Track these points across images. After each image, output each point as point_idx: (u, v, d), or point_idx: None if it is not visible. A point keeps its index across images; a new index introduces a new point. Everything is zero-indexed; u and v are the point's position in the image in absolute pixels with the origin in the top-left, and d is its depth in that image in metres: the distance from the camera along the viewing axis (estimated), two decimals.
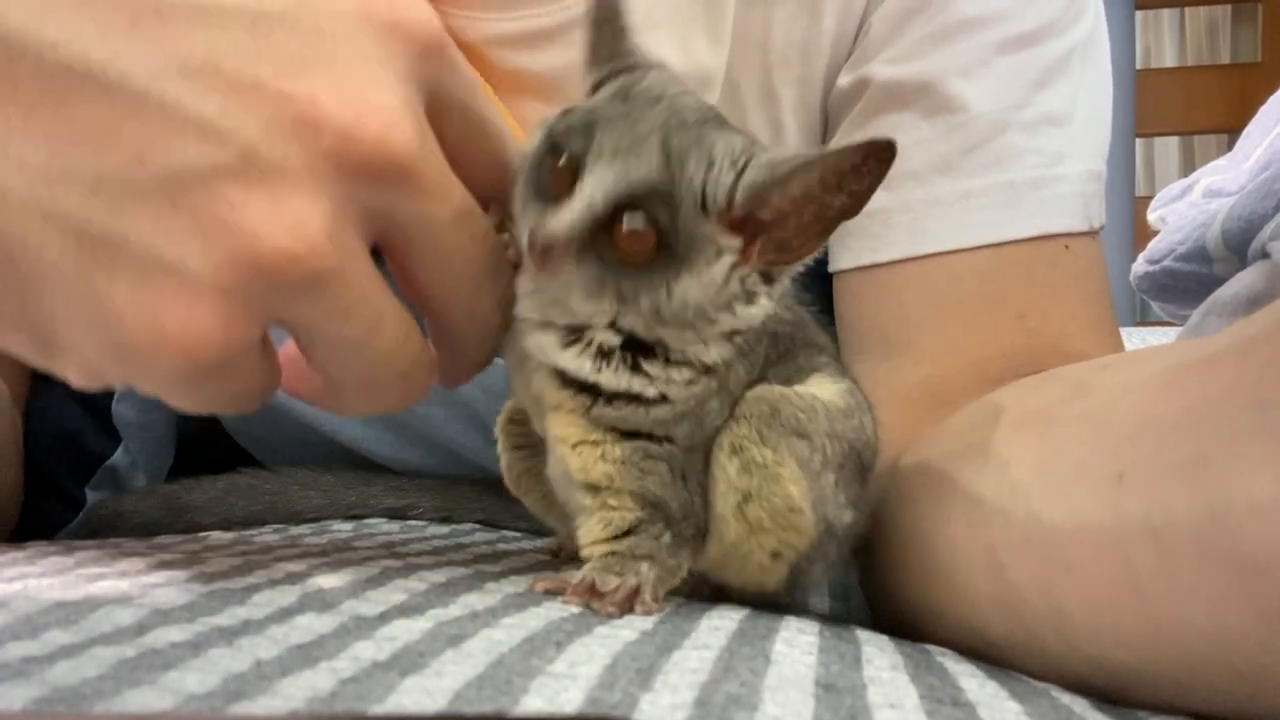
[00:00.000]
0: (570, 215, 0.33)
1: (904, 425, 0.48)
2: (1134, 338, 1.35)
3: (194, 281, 0.28)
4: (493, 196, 0.36)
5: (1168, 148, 2.89)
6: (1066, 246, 0.53)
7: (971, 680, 0.30)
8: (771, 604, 0.39)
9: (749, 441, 0.36)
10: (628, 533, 0.36)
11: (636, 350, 0.35)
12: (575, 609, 0.33)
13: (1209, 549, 0.25)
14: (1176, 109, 2.41)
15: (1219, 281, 0.73)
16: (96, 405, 0.62)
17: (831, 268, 0.57)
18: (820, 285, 0.56)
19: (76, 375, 0.31)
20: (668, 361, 0.35)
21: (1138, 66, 2.43)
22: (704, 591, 0.39)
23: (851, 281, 0.56)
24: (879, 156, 0.33)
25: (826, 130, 0.59)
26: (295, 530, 0.53)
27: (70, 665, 0.24)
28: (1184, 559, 0.26)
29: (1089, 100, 0.55)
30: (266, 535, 0.50)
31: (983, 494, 0.36)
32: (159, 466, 0.65)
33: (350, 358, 0.33)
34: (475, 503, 0.61)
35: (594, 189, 0.33)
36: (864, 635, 0.35)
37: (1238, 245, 0.70)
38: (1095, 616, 0.30)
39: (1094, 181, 0.55)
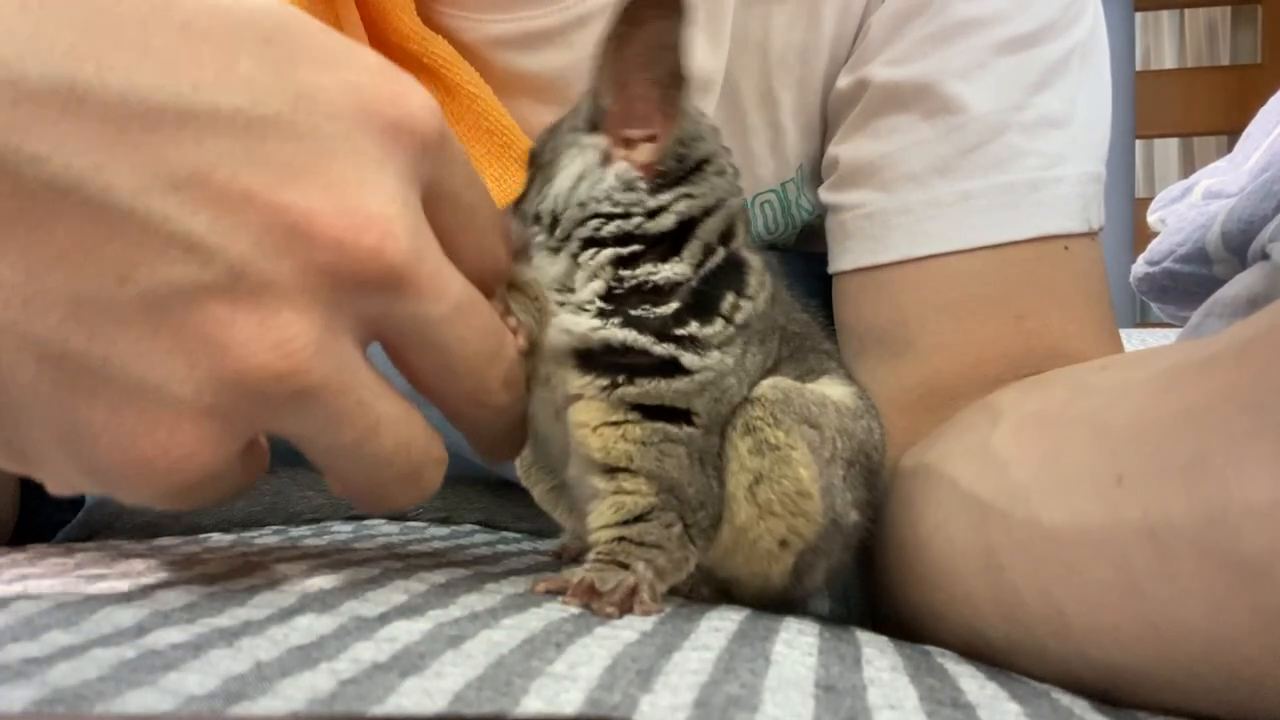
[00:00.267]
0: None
1: (903, 426, 0.48)
2: (1134, 339, 1.35)
3: (175, 404, 0.27)
4: (491, 280, 0.36)
5: (1167, 149, 2.90)
6: (1066, 248, 0.53)
7: (971, 681, 0.30)
8: (773, 603, 0.39)
9: (762, 423, 0.37)
10: (638, 519, 0.36)
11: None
12: (575, 610, 0.33)
13: (1208, 550, 0.25)
14: (1176, 110, 2.41)
15: (1219, 283, 0.73)
16: None
17: (831, 269, 0.57)
18: (822, 290, 0.56)
19: (53, 486, 0.30)
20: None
21: (1137, 68, 2.43)
22: (704, 592, 0.39)
23: (850, 283, 0.56)
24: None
25: (826, 132, 0.60)
26: (295, 531, 0.53)
27: (70, 666, 0.24)
28: (1183, 560, 0.26)
29: (1088, 101, 0.55)
30: (266, 536, 0.51)
31: (982, 495, 0.36)
32: None
33: (348, 463, 0.32)
34: (475, 504, 0.62)
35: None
36: (864, 636, 0.35)
37: (1237, 247, 0.70)
38: (1094, 618, 0.30)
39: (1093, 183, 0.55)
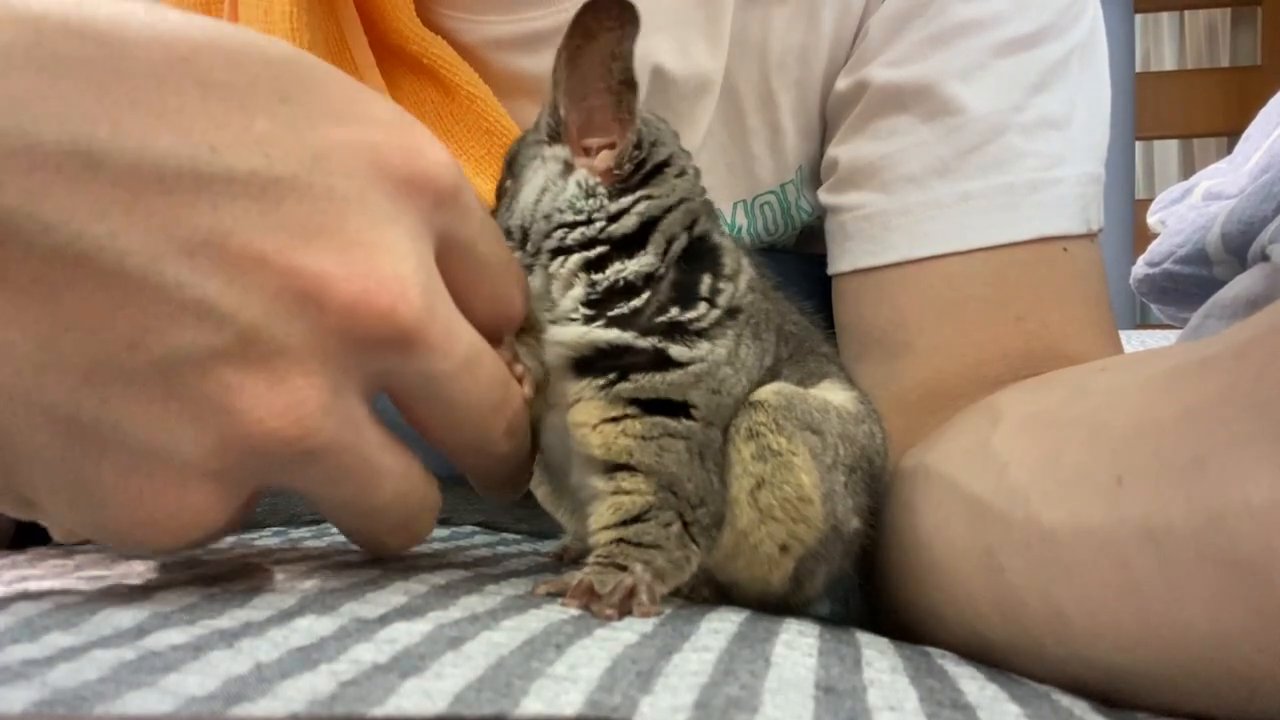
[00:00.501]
0: None
1: (903, 428, 0.48)
2: (1134, 340, 1.35)
3: (184, 467, 0.28)
4: (505, 326, 0.36)
5: (1167, 151, 2.90)
6: (1065, 249, 0.53)
7: (972, 683, 0.30)
8: (773, 608, 0.39)
9: (766, 429, 0.37)
10: (636, 519, 0.36)
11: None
12: (575, 612, 0.33)
13: (1207, 551, 0.25)
14: (1176, 112, 2.42)
15: (1219, 284, 0.73)
16: None
17: (830, 271, 0.57)
18: (822, 292, 0.56)
19: (58, 534, 0.31)
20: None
21: (1137, 70, 2.43)
22: (704, 594, 0.39)
23: (850, 284, 0.56)
24: (591, 3, 0.37)
25: (825, 133, 0.60)
26: (295, 533, 0.53)
27: (70, 667, 0.24)
28: (1182, 561, 0.26)
29: (1087, 103, 0.55)
30: (267, 538, 0.50)
31: (982, 497, 0.36)
32: None
33: (345, 512, 0.33)
34: (475, 505, 0.61)
35: None
36: (864, 638, 0.35)
37: (1237, 248, 0.70)
38: (1094, 619, 0.30)
39: (1093, 184, 0.55)
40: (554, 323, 0.38)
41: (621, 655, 0.27)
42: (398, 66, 0.56)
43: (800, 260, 0.61)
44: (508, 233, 0.40)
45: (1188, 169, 2.74)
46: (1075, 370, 0.44)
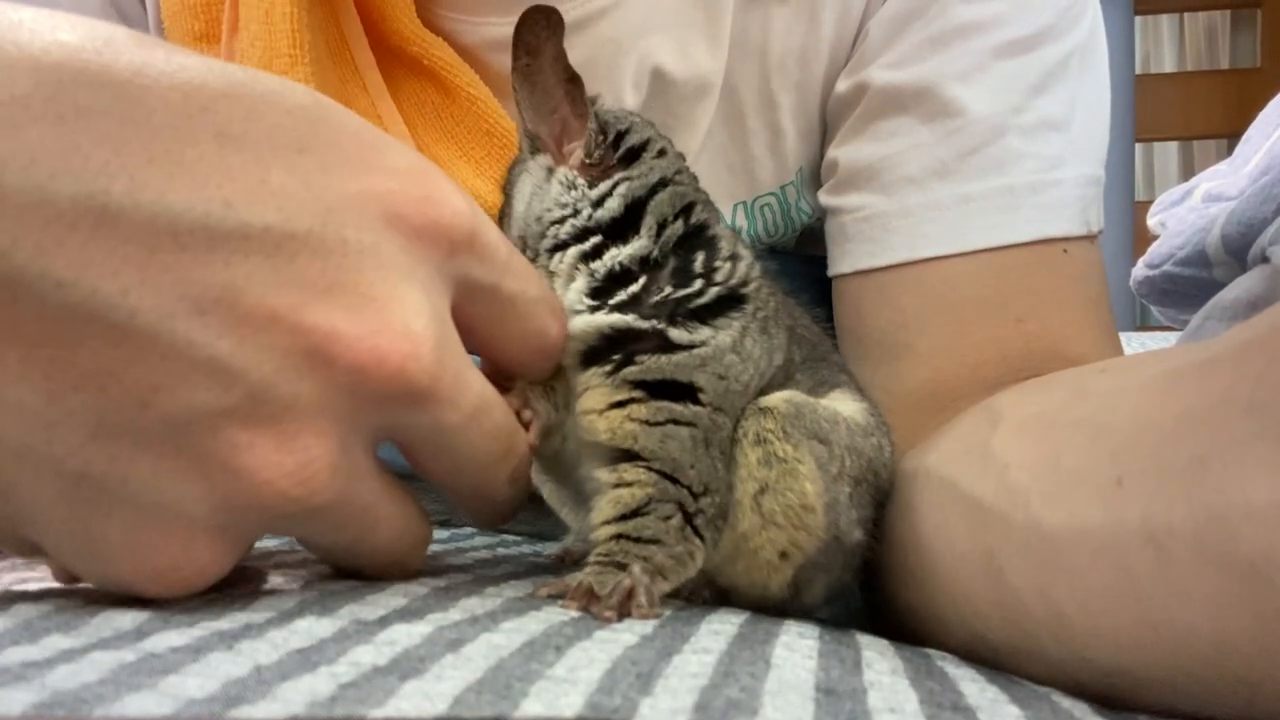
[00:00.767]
0: None
1: (903, 429, 0.48)
2: (1134, 342, 1.35)
3: (190, 522, 0.28)
4: (540, 360, 0.37)
5: (1167, 153, 2.90)
6: (1065, 251, 0.53)
7: (972, 685, 0.30)
8: (772, 611, 0.39)
9: (773, 435, 0.37)
10: (636, 513, 0.36)
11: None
12: (575, 613, 0.33)
13: (1206, 553, 0.25)
14: (1176, 114, 2.42)
15: (1219, 286, 0.73)
16: None
17: (830, 272, 0.57)
18: (822, 293, 0.56)
19: (59, 579, 0.31)
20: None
21: (1137, 72, 2.43)
22: (705, 595, 0.39)
23: (850, 286, 0.56)
24: (523, 20, 0.39)
25: (826, 135, 0.60)
26: None
27: (70, 670, 0.24)
28: (1182, 563, 0.26)
29: (1087, 105, 0.55)
30: (266, 540, 0.50)
31: (982, 498, 0.36)
32: None
33: (338, 553, 0.34)
34: None
35: None
36: (864, 640, 0.34)
37: (1237, 250, 0.70)
38: (1094, 620, 0.30)
39: (1093, 186, 0.55)
40: None
41: (621, 657, 0.27)
42: (398, 67, 0.56)
43: (800, 262, 0.61)
44: (519, 242, 0.41)
45: (1187, 171, 2.74)
46: (1075, 372, 0.44)
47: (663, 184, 0.40)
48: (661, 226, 0.39)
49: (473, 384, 0.32)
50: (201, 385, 0.27)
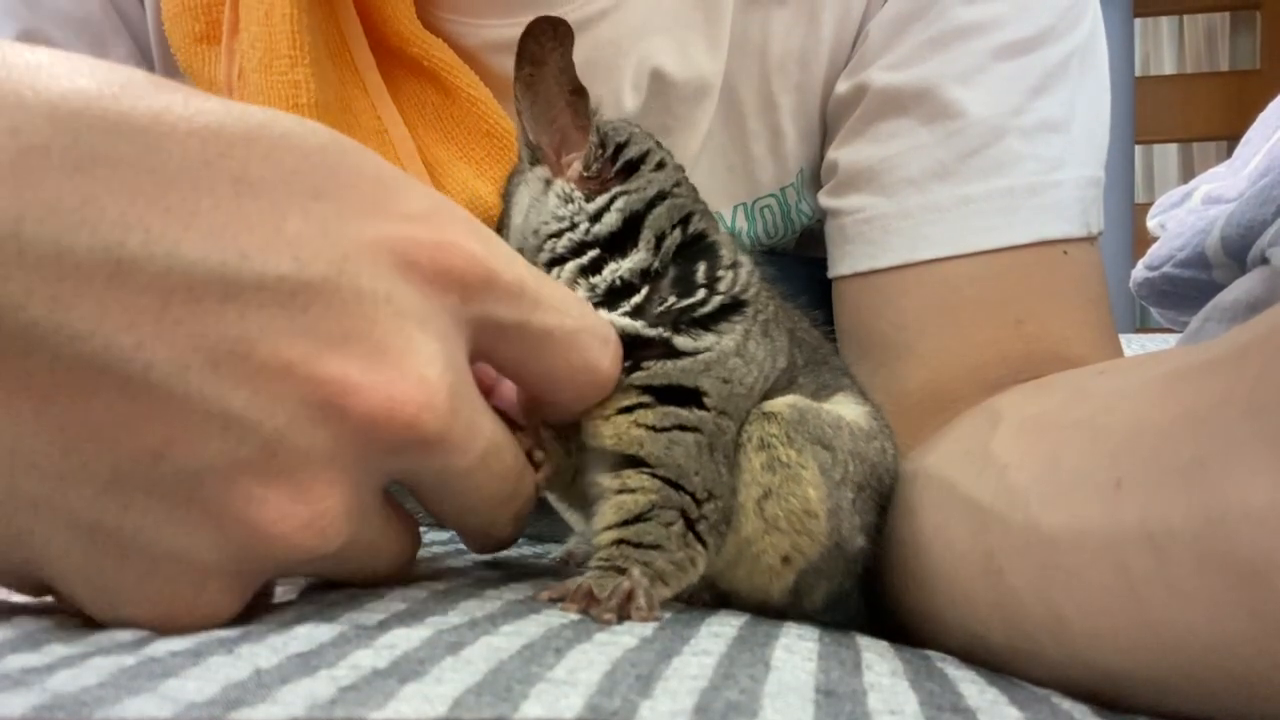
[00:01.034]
0: None
1: (903, 431, 0.48)
2: (1134, 344, 1.35)
3: (204, 570, 0.28)
4: (591, 397, 0.36)
5: (1167, 154, 2.90)
6: (1065, 252, 0.53)
7: (972, 686, 0.30)
8: (773, 615, 0.39)
9: (777, 440, 0.37)
10: (638, 518, 0.36)
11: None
12: (575, 616, 0.33)
13: (1205, 555, 0.25)
14: (1175, 116, 2.42)
15: (1218, 288, 0.73)
16: None
17: (831, 274, 0.57)
18: (822, 295, 0.56)
19: (69, 610, 0.31)
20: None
21: (1137, 74, 2.43)
22: (705, 598, 0.39)
23: (850, 288, 0.56)
24: (529, 30, 0.39)
25: (826, 136, 0.60)
26: None
27: (70, 674, 0.24)
28: (1181, 565, 0.26)
29: (1087, 106, 0.55)
30: None
31: (981, 500, 0.36)
32: None
33: (336, 576, 0.34)
34: None
35: None
36: (864, 641, 0.35)
37: (1237, 251, 0.70)
38: (1093, 622, 0.30)
39: (1092, 187, 0.55)
40: None
41: (621, 659, 0.27)
42: (398, 68, 0.56)
43: (801, 263, 0.61)
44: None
45: (1187, 173, 2.74)
46: (1075, 373, 0.44)
47: (661, 197, 0.40)
48: (660, 239, 0.39)
49: (484, 428, 0.32)
50: (215, 438, 0.27)
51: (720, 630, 0.32)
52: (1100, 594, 0.29)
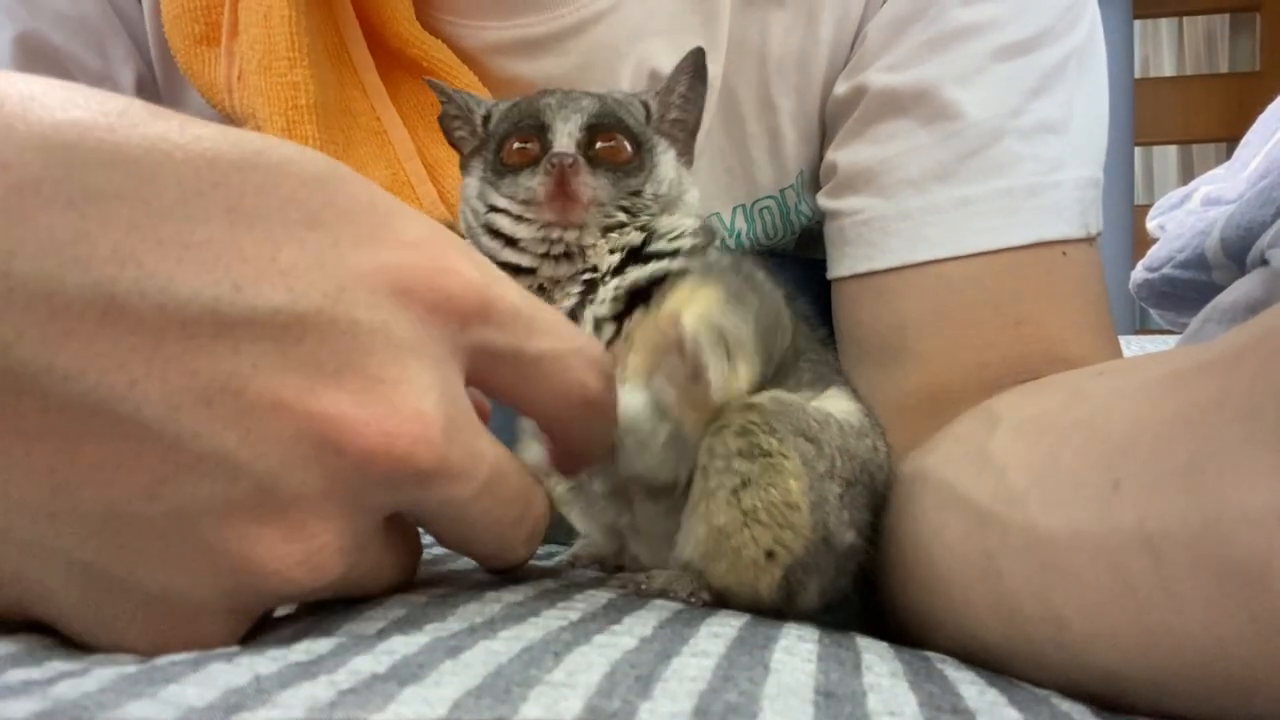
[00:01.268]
0: (562, 140, 0.43)
1: (902, 432, 0.48)
2: (1133, 345, 1.35)
3: (198, 606, 0.28)
4: (583, 424, 0.36)
5: (1166, 156, 2.90)
6: (1064, 253, 0.53)
7: (971, 687, 0.30)
8: (770, 614, 0.39)
9: (758, 428, 0.37)
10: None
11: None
12: (574, 618, 0.33)
13: (1202, 557, 0.25)
14: (1175, 118, 2.42)
15: (1218, 289, 0.73)
16: None
17: (830, 275, 0.57)
18: (822, 296, 0.56)
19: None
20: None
21: (1136, 76, 2.44)
22: (704, 598, 0.39)
23: (849, 289, 0.56)
24: (690, 56, 0.46)
25: (825, 137, 0.60)
26: None
27: (72, 684, 0.24)
28: (1178, 567, 0.26)
29: (1086, 107, 0.55)
30: None
31: (979, 500, 0.36)
32: None
33: (339, 596, 0.34)
34: None
35: (566, 130, 0.43)
36: (863, 642, 0.34)
37: (1236, 253, 0.70)
38: (1092, 623, 0.30)
39: (1091, 188, 0.55)
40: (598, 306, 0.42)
41: (620, 661, 0.27)
42: (397, 69, 0.56)
43: (800, 264, 0.61)
44: (655, 197, 0.45)
45: (1187, 174, 2.75)
46: (1073, 374, 0.44)
47: None
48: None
49: (485, 454, 0.32)
50: (208, 478, 0.26)
51: (720, 631, 0.32)
52: (1098, 595, 0.29)
